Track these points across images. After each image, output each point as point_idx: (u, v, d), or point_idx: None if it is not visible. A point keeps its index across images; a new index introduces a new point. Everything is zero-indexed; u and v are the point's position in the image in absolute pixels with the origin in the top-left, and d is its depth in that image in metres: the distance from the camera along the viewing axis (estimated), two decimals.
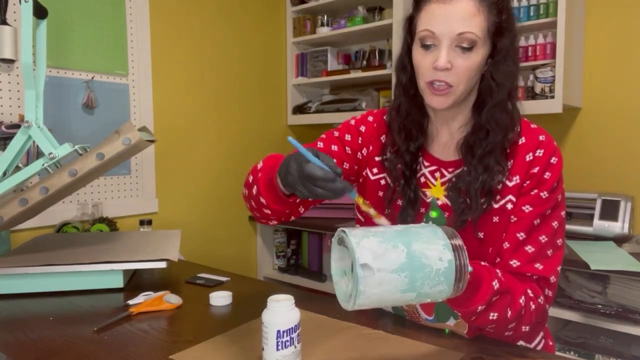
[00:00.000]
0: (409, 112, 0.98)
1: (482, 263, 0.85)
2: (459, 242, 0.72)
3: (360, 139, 1.06)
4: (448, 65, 0.85)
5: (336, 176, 0.75)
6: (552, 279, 0.90)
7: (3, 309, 1.11)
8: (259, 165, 0.96)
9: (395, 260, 0.67)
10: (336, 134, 1.08)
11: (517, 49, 0.92)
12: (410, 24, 0.93)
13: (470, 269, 0.71)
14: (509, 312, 0.84)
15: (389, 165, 1.00)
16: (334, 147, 1.05)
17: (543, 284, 0.90)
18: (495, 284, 0.81)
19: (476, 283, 0.79)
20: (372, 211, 0.80)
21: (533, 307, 0.88)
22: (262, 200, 0.91)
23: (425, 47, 0.88)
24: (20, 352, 0.88)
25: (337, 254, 0.75)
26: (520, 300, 0.86)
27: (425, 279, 0.68)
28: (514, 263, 0.90)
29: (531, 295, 0.88)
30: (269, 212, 0.93)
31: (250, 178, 0.97)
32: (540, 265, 0.89)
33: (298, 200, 0.92)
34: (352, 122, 1.09)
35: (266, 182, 0.90)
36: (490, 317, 0.83)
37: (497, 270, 0.86)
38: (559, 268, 0.92)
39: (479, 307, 0.81)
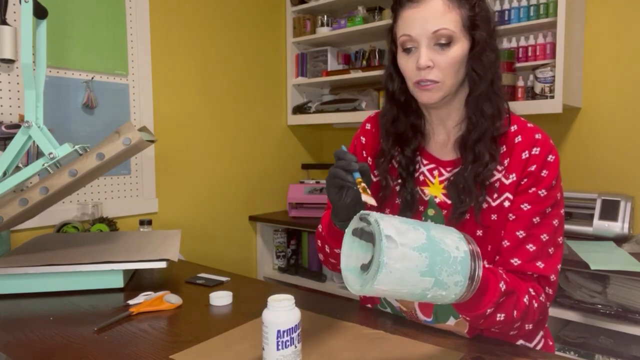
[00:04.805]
0: (397, 118, 1.01)
1: (486, 265, 0.86)
2: (476, 248, 0.73)
3: (364, 152, 1.11)
4: (430, 64, 0.88)
5: (350, 160, 0.84)
6: (552, 277, 0.91)
7: (3, 309, 1.11)
8: (320, 228, 1.06)
9: (417, 239, 0.68)
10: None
11: (496, 40, 0.94)
12: (392, 34, 0.97)
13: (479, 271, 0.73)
14: (515, 312, 0.85)
15: (379, 169, 1.03)
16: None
17: (543, 282, 0.91)
18: (502, 286, 0.82)
19: (483, 286, 0.79)
20: (368, 192, 0.82)
21: (536, 305, 0.88)
22: (336, 250, 0.99)
23: (407, 51, 0.92)
24: (20, 352, 0.88)
25: (348, 250, 0.75)
26: (525, 300, 0.86)
27: (443, 265, 0.69)
28: (515, 261, 0.90)
29: (533, 293, 0.89)
30: None
31: (319, 242, 1.07)
32: (541, 263, 0.90)
33: None
34: (356, 139, 1.14)
35: (331, 235, 0.99)
36: (498, 319, 0.84)
37: (501, 271, 0.86)
38: (559, 266, 0.92)
39: (488, 310, 0.81)
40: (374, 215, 0.68)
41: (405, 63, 0.92)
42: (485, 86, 0.92)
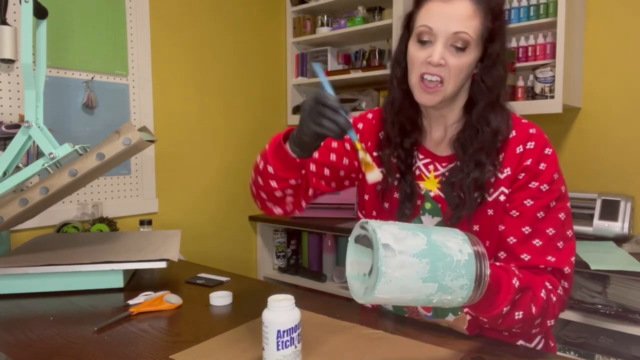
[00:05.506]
0: (402, 106, 1.00)
1: (497, 263, 0.86)
2: (481, 249, 0.72)
3: (357, 135, 1.07)
4: (442, 62, 0.88)
5: (342, 109, 0.82)
6: (567, 269, 0.90)
7: (3, 309, 1.11)
8: (266, 146, 1.00)
9: (416, 245, 0.67)
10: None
11: (506, 54, 0.95)
12: (409, 21, 0.96)
13: (488, 271, 0.72)
14: (534, 308, 0.84)
15: (384, 158, 1.02)
16: (334, 144, 1.07)
17: (558, 275, 0.90)
18: (516, 282, 0.81)
19: (496, 285, 0.78)
20: (367, 158, 0.83)
21: (554, 299, 0.88)
22: (270, 169, 0.94)
23: (422, 42, 0.90)
24: (20, 352, 0.88)
25: (353, 257, 0.75)
26: (542, 294, 0.85)
27: (446, 269, 0.68)
28: (525, 257, 0.90)
29: (550, 287, 0.88)
30: (275, 185, 0.96)
31: (258, 158, 1.01)
32: (552, 257, 0.90)
33: (304, 172, 0.96)
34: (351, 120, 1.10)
35: (273, 150, 0.94)
36: (516, 317, 0.83)
37: (514, 268, 0.86)
38: (572, 259, 0.92)
39: (504, 309, 0.80)
40: (371, 224, 0.68)
41: (416, 53, 0.91)
42: (493, 97, 0.93)
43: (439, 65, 0.88)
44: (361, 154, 0.83)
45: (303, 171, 0.97)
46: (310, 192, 1.06)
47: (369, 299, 0.68)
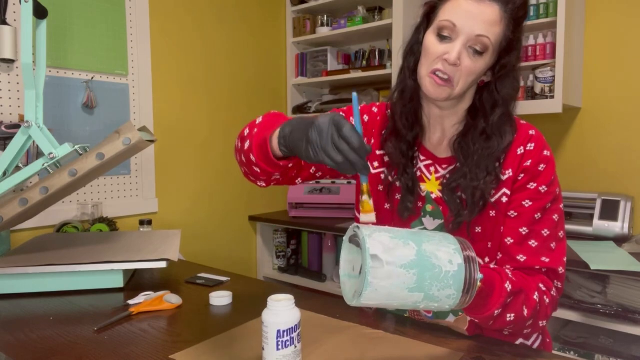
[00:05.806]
0: (412, 97, 0.98)
1: (492, 266, 0.86)
2: (471, 254, 0.72)
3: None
4: (457, 62, 0.87)
5: (365, 150, 0.73)
6: (560, 269, 0.91)
7: (3, 309, 1.11)
8: (258, 120, 0.94)
9: (405, 256, 0.68)
10: (341, 114, 1.08)
11: (520, 65, 0.95)
12: (431, 11, 0.93)
13: (480, 276, 0.72)
14: (525, 311, 0.85)
15: (390, 149, 1.00)
16: None
17: (552, 275, 0.91)
18: (508, 286, 0.82)
19: (489, 288, 0.79)
20: (371, 202, 0.78)
21: (547, 300, 0.89)
22: (252, 157, 0.89)
23: (441, 37, 0.88)
24: (20, 352, 0.88)
25: (347, 256, 0.75)
26: (535, 297, 0.86)
27: (433, 280, 0.69)
28: (521, 258, 0.91)
29: (544, 289, 0.89)
30: (258, 170, 0.91)
31: (246, 131, 0.94)
32: (546, 258, 0.90)
33: (290, 165, 0.91)
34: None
35: (260, 140, 0.87)
36: (508, 319, 0.84)
37: (507, 271, 0.86)
38: (564, 259, 0.93)
39: (495, 312, 0.81)
40: (362, 232, 0.68)
41: (434, 46, 0.89)
42: (507, 108, 0.93)
43: (454, 65, 0.87)
44: (366, 197, 0.78)
45: (290, 164, 0.91)
46: (311, 170, 1.03)
47: (356, 304, 0.69)
